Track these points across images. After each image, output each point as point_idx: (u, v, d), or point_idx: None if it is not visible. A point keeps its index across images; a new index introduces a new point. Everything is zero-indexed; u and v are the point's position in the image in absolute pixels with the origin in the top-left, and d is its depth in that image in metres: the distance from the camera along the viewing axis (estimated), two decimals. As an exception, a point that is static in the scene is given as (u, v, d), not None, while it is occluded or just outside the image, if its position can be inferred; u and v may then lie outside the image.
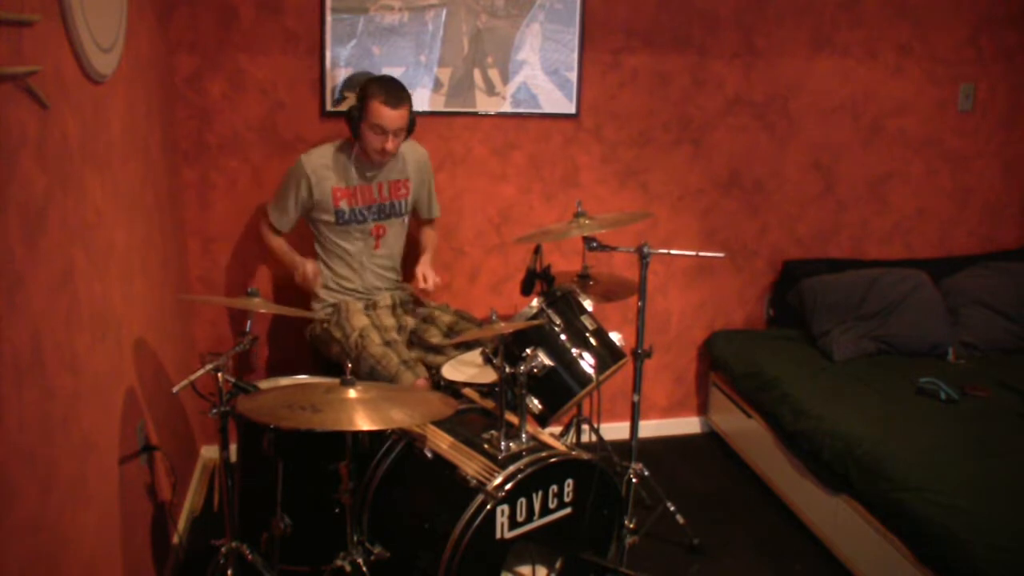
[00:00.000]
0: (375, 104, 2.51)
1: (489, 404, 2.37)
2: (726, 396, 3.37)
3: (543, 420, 2.27)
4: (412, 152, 2.81)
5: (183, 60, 2.83)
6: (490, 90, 3.07)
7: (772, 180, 3.43)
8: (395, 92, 2.53)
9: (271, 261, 3.04)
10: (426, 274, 2.72)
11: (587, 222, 2.47)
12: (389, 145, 2.58)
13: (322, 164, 2.65)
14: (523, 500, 1.99)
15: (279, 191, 2.72)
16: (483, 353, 2.16)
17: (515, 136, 3.15)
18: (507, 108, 3.10)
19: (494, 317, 2.07)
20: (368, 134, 2.57)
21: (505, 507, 1.96)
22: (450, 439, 2.16)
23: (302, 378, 2.46)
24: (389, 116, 2.52)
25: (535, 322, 2.23)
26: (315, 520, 2.21)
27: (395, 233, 2.81)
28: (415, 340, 2.73)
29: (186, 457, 2.83)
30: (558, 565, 2.16)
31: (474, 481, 1.95)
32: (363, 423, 1.75)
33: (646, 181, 3.31)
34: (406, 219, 2.84)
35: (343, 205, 2.67)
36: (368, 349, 2.52)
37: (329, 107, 2.95)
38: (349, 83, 2.93)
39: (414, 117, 2.64)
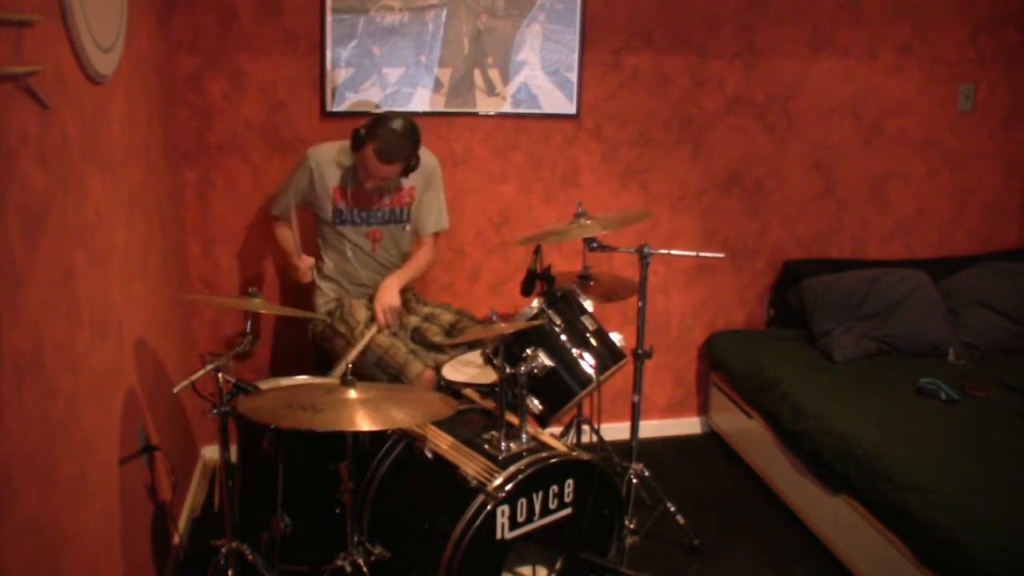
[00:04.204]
0: (368, 151, 2.52)
1: (489, 404, 2.37)
2: (726, 396, 3.37)
3: (543, 420, 2.27)
4: (420, 158, 2.70)
5: (183, 60, 2.83)
6: (490, 90, 3.07)
7: (772, 180, 3.43)
8: (392, 149, 2.50)
9: (273, 259, 3.05)
10: (377, 310, 2.61)
11: (588, 222, 2.47)
12: (369, 184, 2.62)
13: (327, 160, 2.66)
14: (523, 500, 1.99)
15: (287, 181, 2.74)
16: (483, 353, 2.16)
17: (515, 136, 3.15)
18: (507, 108, 3.10)
19: (495, 317, 2.07)
20: (359, 165, 2.60)
21: (505, 507, 1.96)
22: (450, 439, 2.16)
23: (303, 378, 2.46)
24: (376, 167, 2.54)
25: (535, 322, 2.23)
26: (315, 520, 2.21)
27: (393, 239, 2.78)
28: (416, 339, 2.73)
29: (186, 457, 2.83)
30: (558, 565, 2.16)
31: (474, 481, 1.95)
32: (364, 423, 1.74)
33: (646, 181, 3.31)
34: (408, 226, 2.80)
35: (341, 205, 2.67)
36: (375, 340, 2.52)
37: (329, 107, 2.95)
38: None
39: (415, 163, 2.63)
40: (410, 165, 2.62)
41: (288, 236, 2.72)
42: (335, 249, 2.75)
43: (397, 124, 2.53)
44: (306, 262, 2.67)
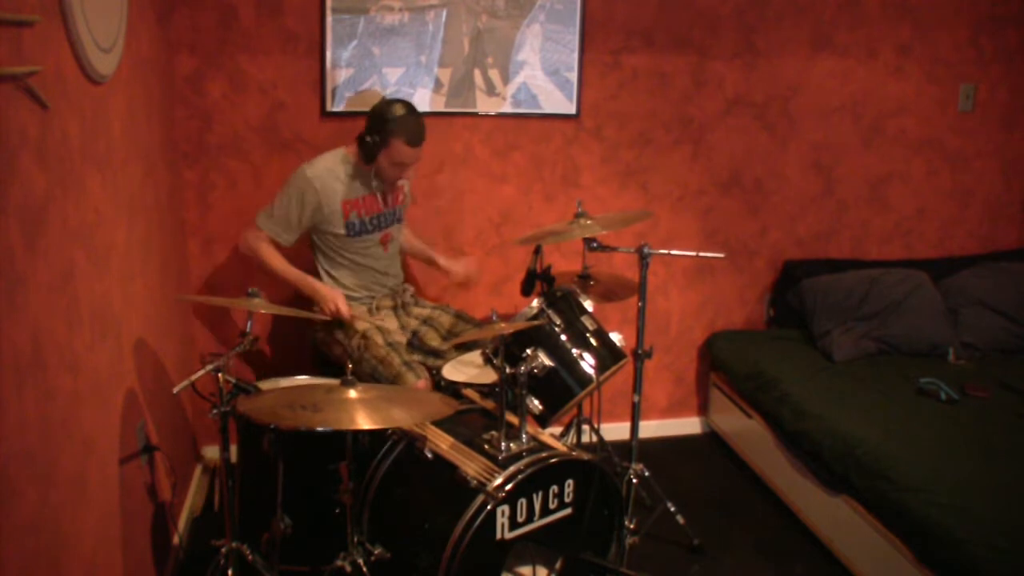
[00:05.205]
0: (398, 144, 2.50)
1: (489, 404, 2.37)
2: (726, 396, 3.37)
3: (543, 420, 2.27)
4: None
5: (183, 60, 2.83)
6: (490, 90, 3.07)
7: (772, 180, 3.43)
8: (418, 131, 2.52)
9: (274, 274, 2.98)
10: (454, 269, 2.89)
11: (588, 222, 2.47)
12: (407, 175, 2.64)
13: (330, 178, 2.58)
14: (523, 500, 1.99)
15: (279, 203, 2.58)
16: (483, 353, 2.16)
17: (515, 136, 3.15)
18: (507, 108, 3.10)
19: (494, 317, 2.07)
20: (387, 166, 2.57)
21: (505, 507, 1.96)
22: (450, 439, 2.16)
23: (303, 379, 2.47)
24: (412, 155, 2.54)
25: (535, 322, 2.23)
26: (315, 520, 2.21)
27: (397, 237, 2.81)
28: (415, 343, 2.72)
29: (186, 457, 2.83)
30: (558, 565, 2.16)
31: (474, 481, 1.95)
32: (364, 423, 1.75)
33: (646, 181, 3.31)
34: (404, 221, 2.85)
35: (353, 217, 2.63)
36: (371, 351, 2.52)
37: (329, 107, 2.95)
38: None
39: None
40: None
41: (285, 263, 2.63)
42: (342, 264, 2.69)
43: (405, 108, 2.53)
44: (343, 300, 2.59)
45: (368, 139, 2.52)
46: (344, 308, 2.57)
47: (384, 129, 2.49)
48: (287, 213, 2.58)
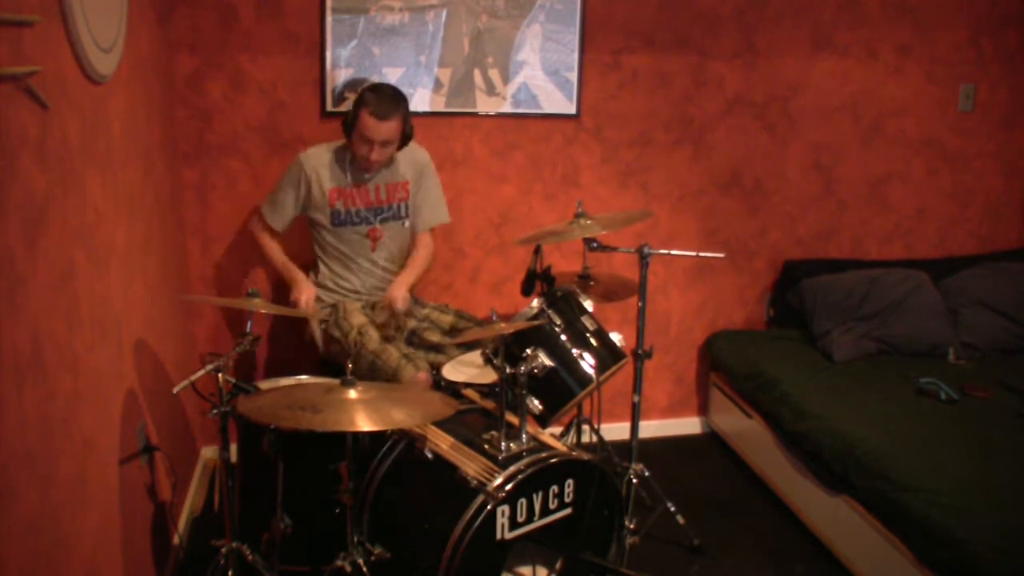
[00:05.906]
0: (363, 113, 2.50)
1: (489, 404, 2.37)
2: (726, 396, 3.37)
3: (543, 420, 2.27)
4: (408, 152, 2.75)
5: (183, 60, 2.83)
6: (490, 90, 3.07)
7: (772, 180, 3.43)
8: (385, 104, 2.49)
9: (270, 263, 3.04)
10: (394, 296, 2.67)
11: (588, 222, 2.47)
12: (374, 155, 2.56)
13: (320, 163, 2.65)
14: (523, 500, 1.99)
15: (276, 189, 2.73)
16: (483, 353, 2.16)
17: (515, 136, 3.15)
18: (507, 108, 3.10)
19: (494, 317, 2.07)
20: (356, 141, 2.57)
21: (505, 507, 1.96)
22: (450, 439, 2.15)
23: (303, 378, 2.47)
24: (375, 128, 2.50)
25: (535, 322, 2.23)
26: (315, 520, 2.21)
27: (393, 236, 2.79)
28: (415, 340, 2.73)
29: (186, 457, 2.83)
30: (558, 565, 2.16)
31: (474, 482, 1.95)
32: (364, 424, 1.75)
33: (646, 181, 3.32)
34: (406, 222, 2.82)
35: (339, 206, 2.66)
36: (367, 346, 2.52)
37: (329, 107, 2.95)
38: (352, 84, 2.93)
39: (409, 129, 2.62)
40: (407, 129, 2.60)
41: (279, 252, 2.77)
42: (334, 255, 2.73)
43: (384, 87, 2.57)
44: (309, 294, 2.65)
45: (346, 116, 2.57)
46: (304, 302, 2.63)
47: (355, 104, 2.54)
48: (283, 197, 2.70)
